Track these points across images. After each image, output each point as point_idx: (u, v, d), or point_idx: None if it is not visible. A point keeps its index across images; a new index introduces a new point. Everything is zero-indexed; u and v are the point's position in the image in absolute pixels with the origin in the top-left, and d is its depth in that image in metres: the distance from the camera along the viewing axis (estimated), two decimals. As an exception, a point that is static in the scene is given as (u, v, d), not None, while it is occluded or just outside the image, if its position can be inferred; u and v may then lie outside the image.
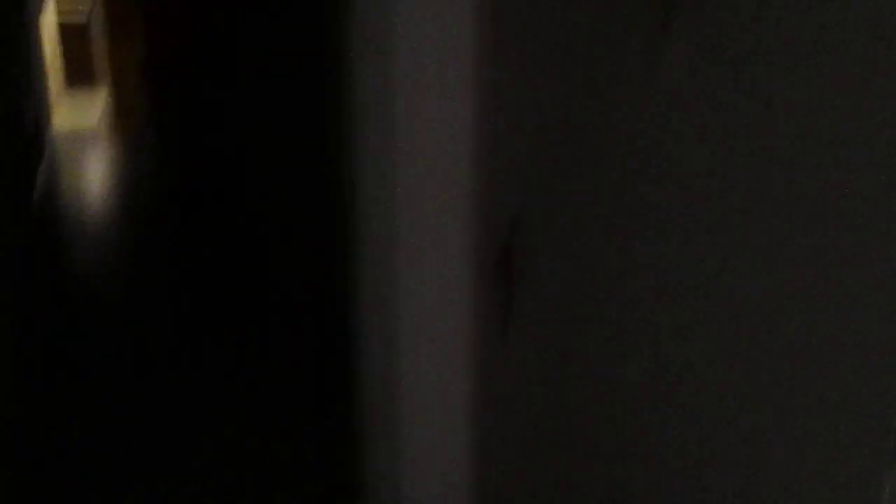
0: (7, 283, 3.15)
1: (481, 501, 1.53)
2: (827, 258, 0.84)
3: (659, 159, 1.04)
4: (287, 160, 3.69)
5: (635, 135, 1.06)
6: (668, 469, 1.11)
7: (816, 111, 0.82)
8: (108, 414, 2.97)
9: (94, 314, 4.24)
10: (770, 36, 0.85)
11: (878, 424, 0.82)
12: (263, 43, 3.95)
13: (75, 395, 3.08)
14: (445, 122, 1.45)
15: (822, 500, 0.91)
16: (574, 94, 1.18)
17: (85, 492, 2.50)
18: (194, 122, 5.47)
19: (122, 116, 5.35)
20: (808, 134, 0.83)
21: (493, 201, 1.39)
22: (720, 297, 0.97)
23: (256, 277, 4.25)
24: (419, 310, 1.51)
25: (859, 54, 0.76)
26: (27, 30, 3.87)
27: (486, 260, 1.39)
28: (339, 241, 1.64)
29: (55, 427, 2.77)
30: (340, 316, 1.81)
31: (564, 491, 1.38)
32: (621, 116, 1.09)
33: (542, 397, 1.36)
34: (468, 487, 1.53)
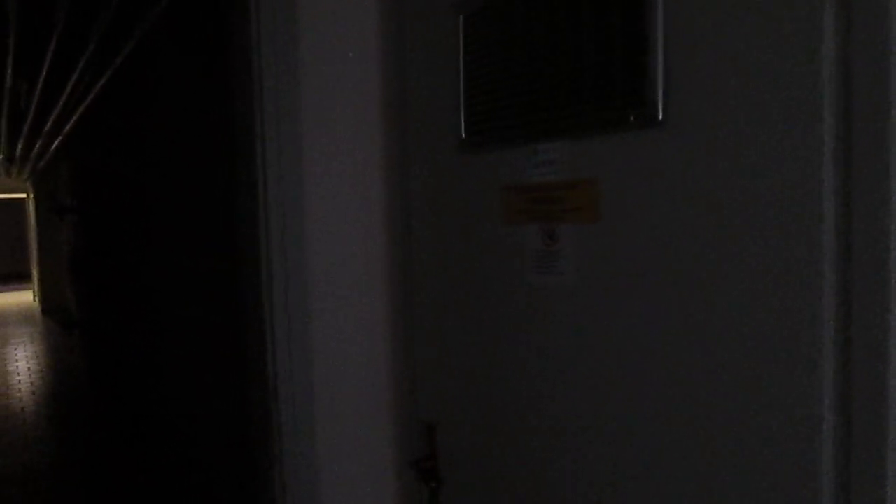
0: None
1: None
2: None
3: (551, 367, 1.17)
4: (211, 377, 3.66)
5: (528, 346, 1.22)
6: None
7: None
8: None
9: None
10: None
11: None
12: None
13: None
14: (366, 342, 1.61)
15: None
16: (474, 315, 1.34)
17: None
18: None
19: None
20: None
21: (409, 411, 1.55)
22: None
23: (182, 483, 4.23)
24: None
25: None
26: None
27: (405, 464, 1.57)
28: (265, 455, 1.65)
29: None
30: None
31: None
32: (515, 329, 1.24)
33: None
34: None
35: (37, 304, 14.75)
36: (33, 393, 7.23)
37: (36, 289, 15.35)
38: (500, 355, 1.27)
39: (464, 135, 1.31)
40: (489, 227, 1.28)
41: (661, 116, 0.95)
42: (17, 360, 9.03)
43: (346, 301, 1.57)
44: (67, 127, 7.15)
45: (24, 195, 16.13)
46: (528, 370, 1.21)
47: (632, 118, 0.99)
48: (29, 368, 8.53)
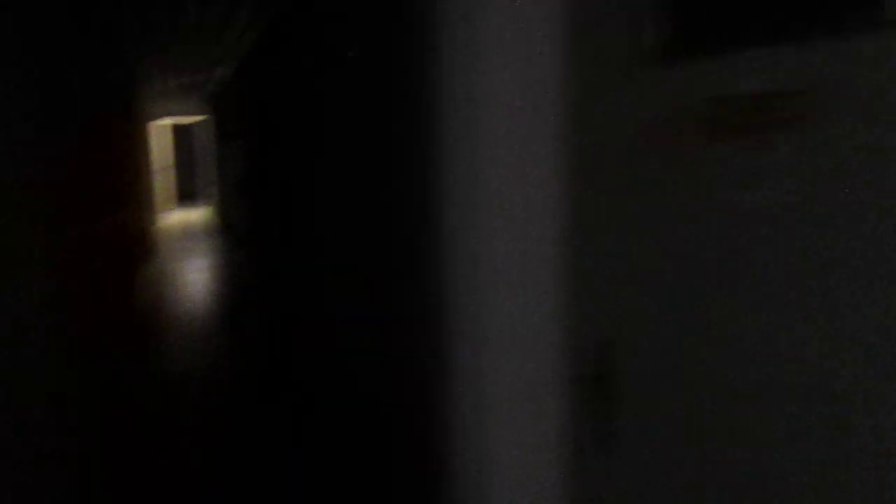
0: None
1: None
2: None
3: (750, 289, 1.12)
4: (375, 267, 3.71)
5: (722, 266, 1.16)
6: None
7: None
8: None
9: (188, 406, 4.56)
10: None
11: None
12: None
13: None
14: (535, 251, 1.55)
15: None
16: (657, 224, 1.29)
17: None
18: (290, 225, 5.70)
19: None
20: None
21: (581, 327, 1.51)
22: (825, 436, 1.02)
23: (350, 394, 4.37)
24: (511, 435, 1.58)
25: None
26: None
27: (577, 382, 1.52)
28: (432, 368, 1.65)
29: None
30: (433, 433, 1.78)
31: None
32: (708, 248, 1.19)
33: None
34: None
35: (209, 222, 15.83)
36: (206, 304, 7.83)
37: (209, 207, 16.45)
38: (689, 275, 1.24)
39: (656, 43, 1.26)
40: (686, 141, 1.23)
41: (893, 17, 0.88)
42: (191, 273, 9.78)
43: (515, 212, 1.55)
44: (243, 52, 7.48)
45: (198, 118, 17.14)
46: (722, 291, 1.18)
47: (859, 19, 0.91)
48: (203, 281, 9.22)
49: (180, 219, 17.05)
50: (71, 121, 2.64)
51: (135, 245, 6.61)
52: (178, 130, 18.91)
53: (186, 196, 19.63)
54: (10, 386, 1.65)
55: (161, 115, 16.01)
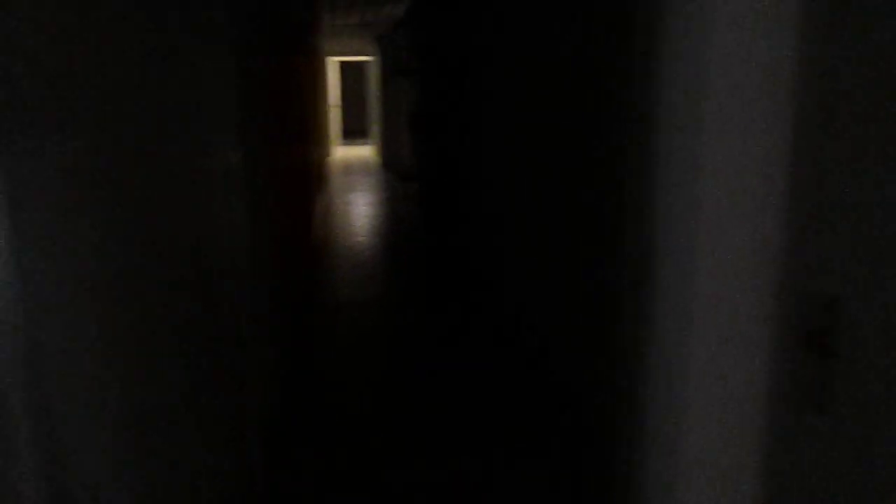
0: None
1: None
2: None
3: None
4: (561, 227, 3.58)
5: None
6: None
7: None
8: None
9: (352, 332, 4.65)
10: None
11: None
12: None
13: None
14: (756, 196, 1.43)
15: None
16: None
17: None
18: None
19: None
20: None
21: (804, 280, 1.43)
22: None
23: (511, 333, 4.28)
24: (713, 390, 1.52)
25: None
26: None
27: (792, 337, 1.43)
28: (628, 312, 1.60)
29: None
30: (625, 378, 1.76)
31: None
32: None
33: (855, 481, 1.32)
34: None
35: (376, 158, 16.34)
36: (375, 234, 8.18)
37: (375, 144, 16.97)
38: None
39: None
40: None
41: None
42: (360, 205, 10.20)
43: (736, 147, 1.41)
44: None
45: (367, 58, 17.57)
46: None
47: None
48: (371, 213, 9.61)
49: (348, 153, 17.70)
50: (255, 59, 2.82)
51: (310, 178, 6.99)
52: (347, 68, 19.48)
53: (354, 132, 20.28)
54: (223, 287, 1.84)
55: (331, 54, 16.56)
